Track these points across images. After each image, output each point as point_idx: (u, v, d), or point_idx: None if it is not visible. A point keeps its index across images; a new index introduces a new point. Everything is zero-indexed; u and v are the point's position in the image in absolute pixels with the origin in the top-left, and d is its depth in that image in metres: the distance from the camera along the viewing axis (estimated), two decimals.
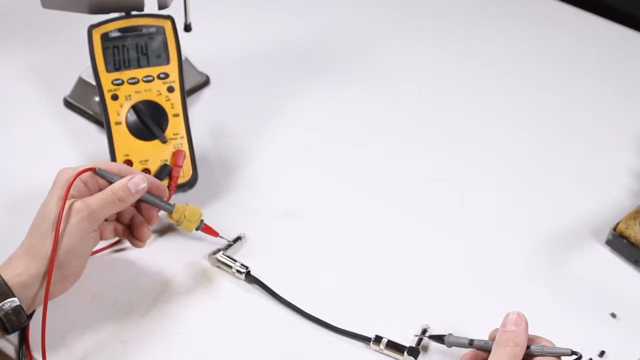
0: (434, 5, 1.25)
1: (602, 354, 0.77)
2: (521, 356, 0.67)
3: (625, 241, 0.86)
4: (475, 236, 0.89)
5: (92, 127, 0.99)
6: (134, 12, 0.91)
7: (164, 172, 0.87)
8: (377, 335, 0.76)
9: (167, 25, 0.89)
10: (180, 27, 0.93)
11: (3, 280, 0.70)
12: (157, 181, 0.80)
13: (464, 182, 0.96)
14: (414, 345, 0.76)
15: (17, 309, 0.70)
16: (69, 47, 1.07)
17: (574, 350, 0.68)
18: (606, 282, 0.85)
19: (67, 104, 1.01)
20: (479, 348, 0.72)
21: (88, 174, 0.76)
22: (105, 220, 0.78)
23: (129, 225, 0.81)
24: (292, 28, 1.18)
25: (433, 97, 1.08)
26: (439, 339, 0.75)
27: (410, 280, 0.84)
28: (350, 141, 1.00)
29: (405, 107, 1.06)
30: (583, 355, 0.66)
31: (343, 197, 0.93)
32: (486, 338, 0.72)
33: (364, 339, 0.77)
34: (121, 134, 0.87)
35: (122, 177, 0.77)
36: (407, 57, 1.14)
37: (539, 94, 1.10)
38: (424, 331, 0.77)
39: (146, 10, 0.91)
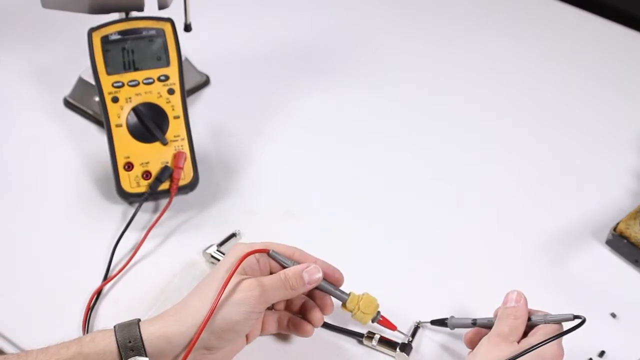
0: (434, 5, 1.25)
1: (602, 354, 0.77)
2: (522, 328, 0.70)
3: (625, 241, 0.86)
4: (476, 236, 0.89)
5: (92, 127, 0.99)
6: (134, 15, 0.91)
7: (165, 174, 0.87)
8: (369, 332, 0.77)
9: (167, 27, 0.89)
10: (180, 27, 0.93)
11: (140, 336, 0.67)
12: (332, 267, 0.76)
13: (464, 182, 0.96)
14: (406, 342, 0.76)
15: None
16: (69, 47, 1.07)
17: (576, 314, 0.69)
18: (606, 282, 0.85)
19: (67, 104, 1.01)
20: (482, 326, 0.74)
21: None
22: (272, 308, 0.76)
23: (295, 314, 0.77)
24: (292, 28, 1.18)
25: (433, 97, 1.08)
26: (442, 323, 0.77)
27: (409, 279, 0.84)
28: (350, 141, 1.00)
29: (405, 107, 1.06)
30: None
31: (343, 197, 0.93)
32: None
33: (357, 335, 0.78)
34: (122, 136, 0.87)
35: (295, 261, 0.74)
36: (407, 57, 1.14)
37: (539, 94, 1.10)
38: (416, 328, 0.78)
39: (146, 10, 0.91)
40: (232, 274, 0.69)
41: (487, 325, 0.73)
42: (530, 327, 0.71)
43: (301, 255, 0.75)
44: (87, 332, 0.76)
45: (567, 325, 0.69)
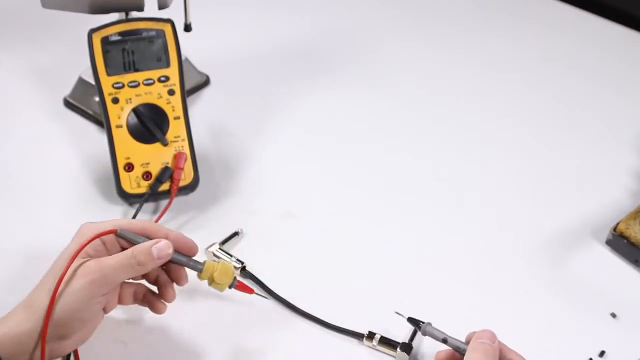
0: (434, 5, 1.25)
1: (602, 354, 0.77)
2: None
3: (625, 241, 0.86)
4: (476, 236, 0.89)
5: (92, 127, 0.99)
6: (134, 15, 0.91)
7: (165, 174, 0.87)
8: (370, 332, 0.77)
9: (167, 28, 0.89)
10: (180, 27, 0.93)
11: None
12: (186, 239, 0.73)
13: (464, 182, 0.96)
14: (407, 342, 0.76)
15: None
16: (69, 47, 1.07)
17: None
18: (606, 282, 0.85)
19: (67, 104, 1.01)
20: (453, 347, 0.70)
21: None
22: (130, 282, 0.73)
23: (153, 284, 0.75)
24: (293, 28, 1.18)
25: (433, 97, 1.08)
26: (417, 324, 0.73)
27: (409, 279, 0.84)
28: (350, 141, 1.00)
29: (405, 107, 1.06)
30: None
31: (343, 198, 0.93)
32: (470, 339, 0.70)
33: (357, 335, 0.78)
34: (122, 136, 0.87)
35: (147, 236, 0.71)
36: (407, 57, 1.14)
37: (539, 94, 1.10)
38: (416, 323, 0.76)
39: (146, 11, 0.91)
40: (70, 263, 0.66)
41: (457, 349, 0.70)
42: None
43: (152, 229, 0.71)
44: None
45: None
